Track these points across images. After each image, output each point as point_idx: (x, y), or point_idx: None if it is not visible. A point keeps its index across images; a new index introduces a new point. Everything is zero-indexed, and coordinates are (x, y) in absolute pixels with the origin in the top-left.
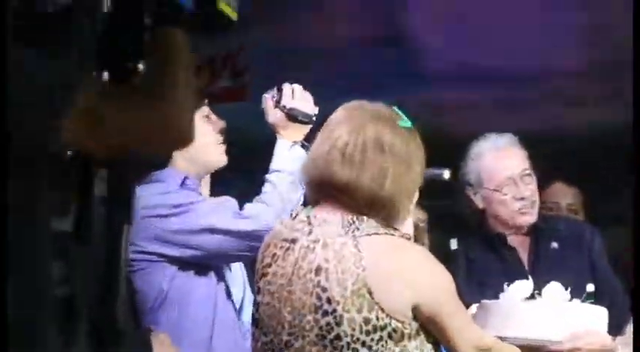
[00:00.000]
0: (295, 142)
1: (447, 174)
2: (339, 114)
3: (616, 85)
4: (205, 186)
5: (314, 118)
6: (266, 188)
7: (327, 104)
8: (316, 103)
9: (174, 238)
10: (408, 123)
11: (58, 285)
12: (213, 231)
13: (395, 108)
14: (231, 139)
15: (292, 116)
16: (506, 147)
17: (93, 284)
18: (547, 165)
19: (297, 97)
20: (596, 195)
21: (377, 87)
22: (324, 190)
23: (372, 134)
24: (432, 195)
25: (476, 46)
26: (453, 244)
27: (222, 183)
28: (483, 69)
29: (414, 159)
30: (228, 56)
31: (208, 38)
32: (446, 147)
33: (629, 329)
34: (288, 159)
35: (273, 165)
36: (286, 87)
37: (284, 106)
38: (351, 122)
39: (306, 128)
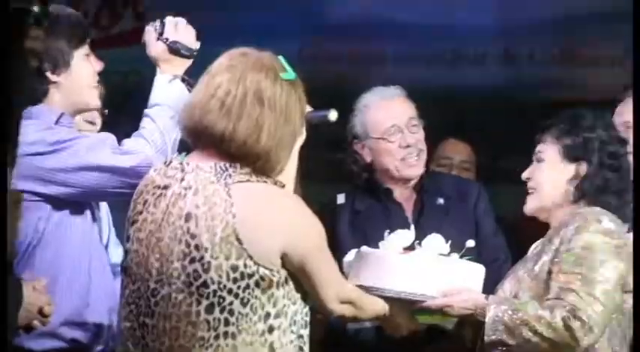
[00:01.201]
0: (176, 76)
1: (332, 115)
2: (221, 61)
3: (517, 45)
4: (94, 127)
5: (195, 53)
6: (145, 123)
7: (220, 53)
8: (198, 38)
9: (52, 176)
10: (292, 75)
11: None
12: (91, 168)
13: (280, 57)
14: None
15: (174, 49)
16: (393, 98)
17: None
18: (442, 122)
19: (180, 30)
20: (488, 153)
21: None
22: (200, 138)
23: (253, 85)
24: (321, 147)
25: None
26: (340, 198)
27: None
28: (387, 21)
29: (294, 112)
30: None
31: None
32: (344, 100)
33: (502, 287)
34: (168, 92)
35: (153, 99)
36: (169, 19)
37: (166, 39)
38: (232, 70)
39: (188, 62)
